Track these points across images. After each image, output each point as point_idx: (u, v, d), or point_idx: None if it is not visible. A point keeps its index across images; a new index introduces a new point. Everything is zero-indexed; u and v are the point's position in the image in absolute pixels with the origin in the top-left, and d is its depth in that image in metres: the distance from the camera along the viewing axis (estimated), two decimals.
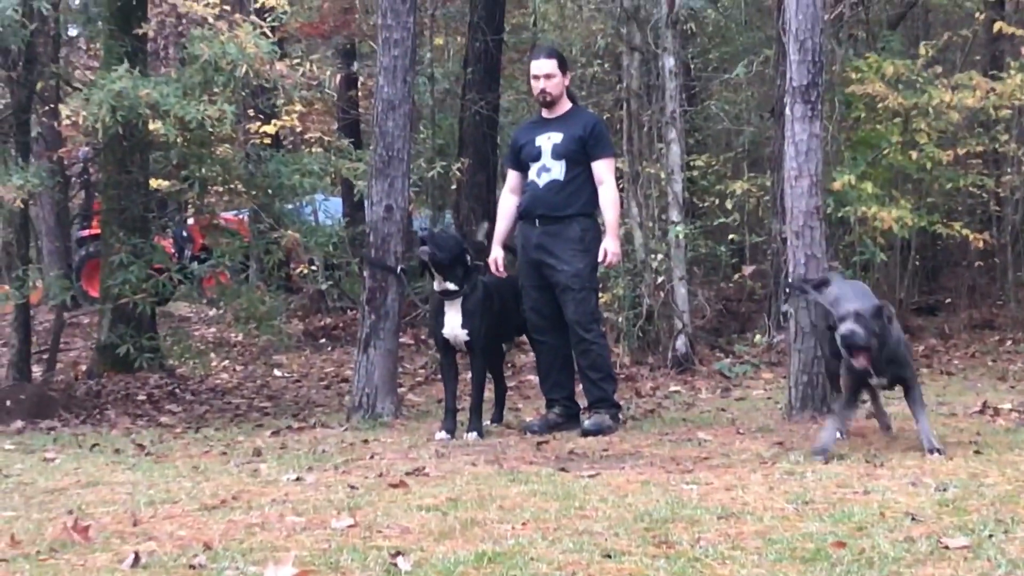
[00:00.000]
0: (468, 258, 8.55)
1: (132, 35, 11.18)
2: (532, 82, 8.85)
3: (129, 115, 9.45)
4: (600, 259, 8.47)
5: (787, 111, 8.53)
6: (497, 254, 8.84)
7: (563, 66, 8.79)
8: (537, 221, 8.58)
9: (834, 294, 7.44)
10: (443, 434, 8.39)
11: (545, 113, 8.81)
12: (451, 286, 8.43)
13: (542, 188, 8.57)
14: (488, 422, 8.89)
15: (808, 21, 8.39)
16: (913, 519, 5.06)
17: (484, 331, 8.55)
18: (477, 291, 8.51)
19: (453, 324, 8.50)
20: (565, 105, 8.76)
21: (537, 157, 8.62)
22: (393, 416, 9.28)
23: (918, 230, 13.31)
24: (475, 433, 8.37)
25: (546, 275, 8.55)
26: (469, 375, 8.96)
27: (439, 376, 9.30)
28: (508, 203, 8.94)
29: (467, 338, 8.51)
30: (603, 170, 8.57)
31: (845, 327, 6.70)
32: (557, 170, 8.55)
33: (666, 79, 12.43)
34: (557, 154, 8.55)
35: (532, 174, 8.65)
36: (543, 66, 8.72)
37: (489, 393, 9.01)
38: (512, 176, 8.95)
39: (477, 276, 8.62)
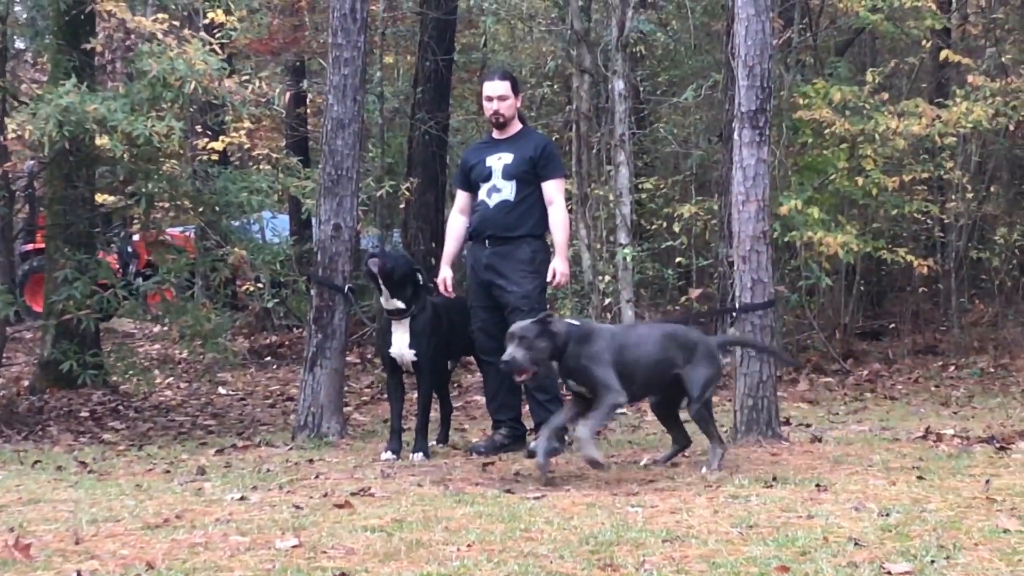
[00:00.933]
0: (419, 278, 8.53)
1: (80, 50, 11.11)
2: (485, 103, 8.87)
3: (76, 130, 9.39)
4: (549, 279, 8.49)
5: (735, 136, 8.58)
6: (446, 274, 8.84)
7: (515, 88, 8.83)
8: (487, 241, 8.59)
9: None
10: (388, 454, 8.37)
11: (496, 134, 8.83)
12: (399, 304, 8.42)
13: (492, 208, 8.58)
14: (434, 442, 8.87)
15: (757, 47, 8.44)
16: (856, 544, 5.08)
17: (432, 352, 8.53)
18: (426, 312, 8.50)
19: (400, 344, 8.49)
20: (516, 126, 8.79)
21: (488, 177, 8.64)
22: (339, 436, 9.25)
23: (863, 255, 13.42)
24: (421, 453, 8.35)
25: (495, 295, 8.55)
26: (416, 395, 8.94)
27: (385, 396, 9.28)
28: (457, 223, 8.94)
29: (415, 359, 8.49)
30: (553, 191, 8.60)
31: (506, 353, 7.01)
32: (508, 190, 8.57)
33: (615, 102, 12.47)
34: (508, 174, 8.57)
35: (482, 194, 8.66)
36: (497, 87, 8.74)
37: (435, 413, 9.00)
38: (461, 196, 8.95)
39: (426, 297, 8.61)
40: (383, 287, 8.39)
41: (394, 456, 8.35)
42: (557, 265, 8.49)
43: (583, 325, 7.32)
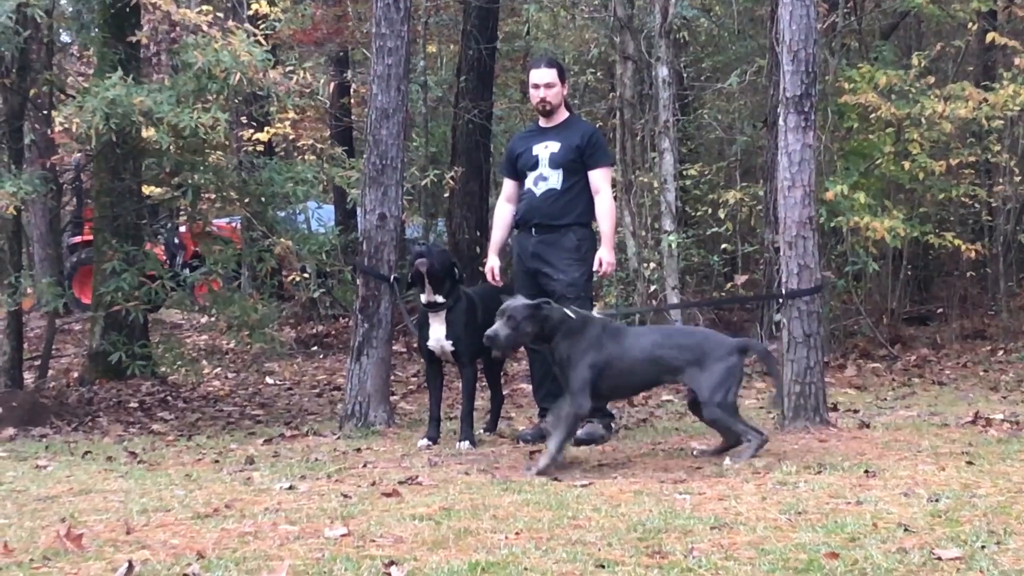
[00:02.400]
0: (456, 271, 8.58)
1: (125, 42, 11.17)
2: (531, 91, 8.84)
3: (122, 122, 9.45)
4: (596, 268, 8.48)
5: (780, 121, 8.54)
6: (494, 263, 8.84)
7: (562, 75, 8.80)
8: (533, 230, 8.59)
9: None
10: (425, 441, 8.44)
11: (542, 122, 8.81)
12: (439, 299, 8.47)
13: (539, 197, 8.58)
14: (481, 431, 8.90)
15: (802, 32, 8.40)
16: (906, 530, 5.07)
17: (469, 341, 8.55)
18: (461, 302, 8.54)
19: (438, 335, 8.53)
20: (563, 114, 8.77)
21: (534, 166, 8.63)
22: (386, 424, 9.27)
23: (910, 240, 13.34)
24: (467, 442, 8.37)
25: (542, 284, 8.54)
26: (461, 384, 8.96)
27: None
28: (504, 211, 8.94)
29: (452, 348, 8.53)
30: (600, 179, 8.58)
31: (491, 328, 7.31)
32: (554, 179, 8.56)
33: (659, 88, 12.44)
34: (555, 163, 8.56)
35: (529, 183, 8.65)
36: (543, 75, 8.71)
37: (483, 402, 9.01)
38: (508, 185, 8.95)
39: (461, 288, 8.64)
40: (428, 285, 8.45)
41: (430, 443, 8.43)
42: (603, 255, 8.47)
43: (579, 318, 7.41)
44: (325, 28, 18.01)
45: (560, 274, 8.44)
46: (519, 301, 7.38)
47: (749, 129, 16.47)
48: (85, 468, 7.74)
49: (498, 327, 7.24)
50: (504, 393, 9.71)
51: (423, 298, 8.55)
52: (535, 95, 8.76)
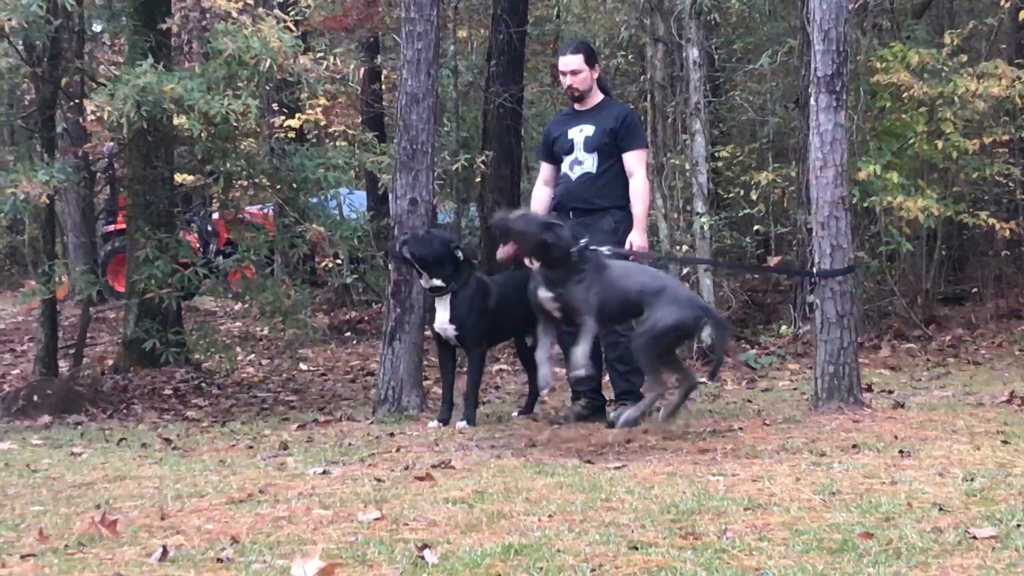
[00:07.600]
0: (458, 254, 8.58)
1: (156, 30, 11.18)
2: (560, 77, 8.87)
3: (154, 110, 9.47)
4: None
5: (812, 101, 8.51)
6: None
7: (590, 60, 8.78)
8: (571, 214, 8.57)
9: None
10: (435, 423, 8.55)
11: (577, 106, 8.82)
12: (437, 283, 8.51)
13: (575, 181, 8.58)
14: (515, 414, 8.95)
15: (833, 11, 8.36)
16: (941, 509, 5.05)
17: (474, 325, 8.57)
18: (468, 287, 8.55)
19: (442, 319, 8.57)
20: (597, 97, 8.76)
21: (570, 150, 8.64)
22: (419, 409, 9.27)
23: (944, 220, 13.27)
24: (465, 422, 8.45)
25: None
26: (492, 368, 8.96)
27: (463, 369, 9.33)
28: (541, 194, 8.95)
29: (456, 332, 8.56)
30: (634, 162, 8.57)
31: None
32: (590, 163, 8.57)
33: (690, 70, 12.41)
34: (589, 147, 8.56)
35: (565, 167, 8.67)
36: (569, 62, 8.72)
37: (516, 385, 9.00)
38: (545, 168, 8.96)
39: (470, 271, 8.64)
40: (419, 269, 8.51)
41: (441, 424, 8.51)
42: (633, 238, 8.45)
43: None
44: (355, 14, 18.00)
45: None
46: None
47: (781, 110, 16.41)
48: (120, 455, 7.77)
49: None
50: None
51: (423, 283, 8.61)
52: (563, 82, 8.80)
